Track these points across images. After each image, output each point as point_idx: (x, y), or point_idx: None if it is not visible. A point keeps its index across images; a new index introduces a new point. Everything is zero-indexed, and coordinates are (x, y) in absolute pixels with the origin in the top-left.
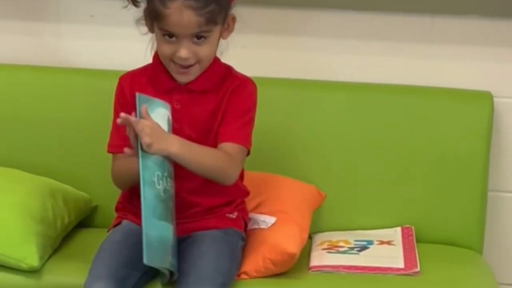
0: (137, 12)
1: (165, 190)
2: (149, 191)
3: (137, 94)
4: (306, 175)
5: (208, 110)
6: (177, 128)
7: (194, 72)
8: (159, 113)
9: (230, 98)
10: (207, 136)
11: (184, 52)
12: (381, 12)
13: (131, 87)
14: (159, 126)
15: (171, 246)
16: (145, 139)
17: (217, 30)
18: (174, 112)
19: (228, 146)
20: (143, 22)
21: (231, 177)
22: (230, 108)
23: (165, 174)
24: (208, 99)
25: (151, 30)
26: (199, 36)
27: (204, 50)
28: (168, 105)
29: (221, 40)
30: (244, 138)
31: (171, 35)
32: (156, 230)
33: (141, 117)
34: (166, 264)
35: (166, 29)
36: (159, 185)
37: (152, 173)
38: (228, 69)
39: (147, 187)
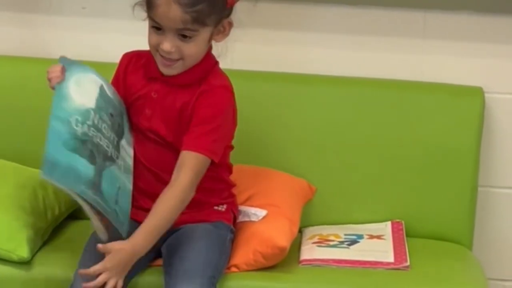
0: (131, 2)
1: (84, 134)
2: (60, 125)
3: (60, 57)
4: (297, 169)
5: (178, 105)
6: (149, 115)
7: (177, 68)
8: (90, 78)
9: (197, 103)
10: (183, 125)
11: (167, 45)
12: (374, 7)
13: (127, 65)
14: (114, 257)
15: (90, 179)
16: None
17: (205, 31)
18: (150, 101)
19: (186, 155)
20: (143, 7)
21: (188, 195)
22: (195, 114)
23: (88, 122)
24: (182, 94)
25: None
26: (184, 35)
27: (188, 48)
28: (101, 77)
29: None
30: (204, 147)
31: (159, 28)
32: (64, 156)
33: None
34: (76, 188)
35: (154, 19)
36: (77, 126)
37: (68, 114)
38: (213, 71)
39: (58, 122)
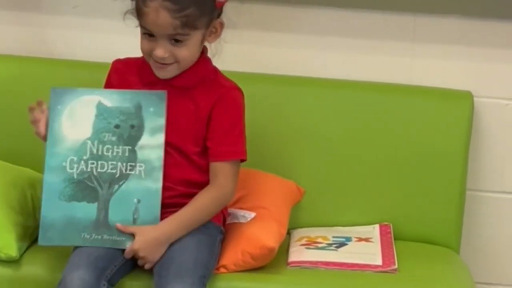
0: (123, 4)
1: (81, 172)
2: (53, 176)
3: (51, 89)
4: (285, 170)
5: (190, 109)
6: None
7: (172, 70)
8: (84, 101)
9: (216, 109)
10: (186, 132)
11: (160, 51)
12: (364, 10)
13: (119, 73)
14: (145, 241)
15: (91, 222)
16: (147, 259)
17: (197, 34)
18: None
19: (217, 166)
20: (134, 14)
21: (229, 197)
22: (217, 121)
23: (84, 157)
24: (189, 97)
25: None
26: (176, 39)
27: (181, 52)
28: (97, 92)
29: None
30: (234, 152)
31: (150, 34)
32: (60, 211)
33: None
34: (75, 241)
35: (144, 26)
36: (72, 169)
37: (61, 159)
38: (214, 73)
39: (51, 173)
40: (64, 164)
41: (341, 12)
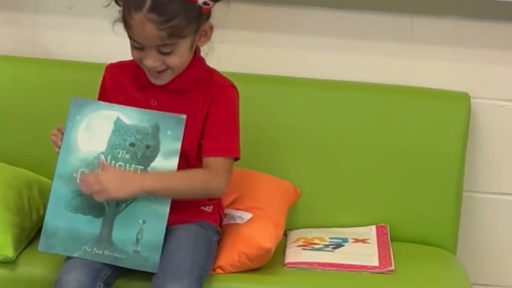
0: (116, 7)
1: None
2: (62, 185)
3: (72, 98)
4: (282, 171)
5: (187, 111)
6: None
7: (167, 77)
8: (103, 115)
9: (211, 107)
10: (184, 141)
11: (149, 61)
12: (361, 11)
13: (112, 77)
14: (115, 171)
15: (94, 237)
16: (102, 186)
17: (186, 42)
18: (150, 109)
19: (210, 161)
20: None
21: (217, 191)
22: (211, 118)
23: (95, 172)
24: (186, 99)
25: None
26: (163, 49)
27: (172, 60)
28: (117, 107)
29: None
30: (226, 149)
31: (139, 45)
32: (64, 221)
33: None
34: (76, 252)
35: (131, 38)
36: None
37: (73, 169)
38: (210, 72)
39: (60, 181)
40: (74, 175)
41: (338, 12)
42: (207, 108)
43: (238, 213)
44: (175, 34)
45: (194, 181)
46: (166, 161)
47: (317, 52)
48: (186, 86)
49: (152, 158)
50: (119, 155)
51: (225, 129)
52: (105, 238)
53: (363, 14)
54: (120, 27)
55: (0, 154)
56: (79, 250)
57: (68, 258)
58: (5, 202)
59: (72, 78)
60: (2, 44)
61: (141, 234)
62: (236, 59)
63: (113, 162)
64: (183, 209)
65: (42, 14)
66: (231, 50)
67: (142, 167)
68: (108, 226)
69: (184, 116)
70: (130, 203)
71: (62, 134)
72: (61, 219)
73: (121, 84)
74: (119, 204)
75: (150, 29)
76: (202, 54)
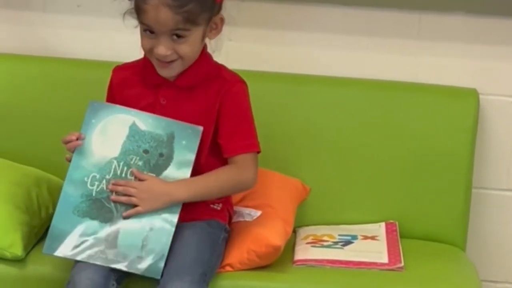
0: (124, 3)
1: (101, 191)
2: (73, 189)
3: (90, 102)
4: (291, 169)
5: (197, 109)
6: None
7: (176, 67)
8: (119, 120)
9: (223, 107)
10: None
11: (161, 49)
12: (369, 8)
13: (120, 79)
14: (148, 184)
15: (99, 241)
16: (141, 204)
17: (198, 30)
18: (160, 108)
19: (234, 158)
20: (133, 15)
21: (248, 185)
22: (225, 117)
23: (107, 177)
24: (196, 96)
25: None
26: (178, 35)
27: (183, 48)
28: (133, 112)
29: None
30: (248, 145)
31: (151, 31)
32: (71, 225)
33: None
34: (80, 255)
35: (145, 24)
36: (92, 185)
37: (84, 174)
38: (218, 68)
39: (71, 185)
40: (86, 179)
41: (346, 9)
42: (218, 106)
43: (247, 210)
44: (190, 20)
45: (223, 181)
46: (179, 172)
47: (325, 49)
48: (195, 83)
49: (165, 166)
50: (132, 161)
51: (241, 126)
52: (110, 243)
53: (371, 11)
54: (128, 23)
55: (9, 153)
56: (83, 253)
57: None
58: (14, 200)
59: (80, 76)
60: (11, 42)
61: (147, 241)
62: (244, 56)
63: (125, 168)
64: (192, 207)
65: (50, 13)
66: (240, 47)
67: (154, 175)
68: (115, 231)
69: (200, 128)
70: None
71: (80, 139)
72: (67, 223)
73: (129, 84)
74: (127, 210)
75: (165, 14)
76: (209, 50)
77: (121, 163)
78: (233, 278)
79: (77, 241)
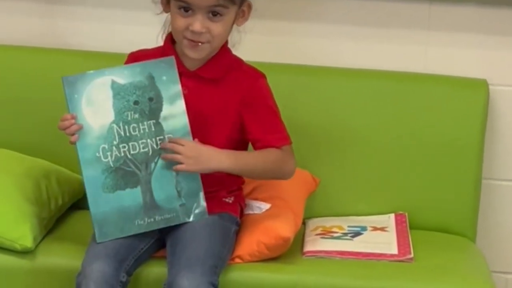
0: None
1: (116, 159)
2: (92, 170)
3: (63, 78)
4: (300, 160)
5: (217, 100)
6: None
7: (204, 49)
8: (98, 85)
9: (248, 100)
10: (210, 127)
11: (197, 25)
12: None
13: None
14: (196, 146)
15: (141, 207)
16: (185, 162)
17: (233, 11)
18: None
19: (282, 151)
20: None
21: (289, 174)
22: (252, 116)
23: (114, 143)
24: (216, 88)
25: (166, 9)
26: (214, 12)
27: (217, 28)
28: (107, 71)
29: (234, 32)
30: (279, 139)
31: (187, 9)
32: (108, 204)
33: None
34: (132, 229)
35: (184, 0)
36: (106, 157)
37: (94, 150)
38: (238, 62)
39: (88, 167)
40: (97, 154)
41: (357, 1)
42: (239, 99)
43: (257, 203)
44: None
45: (270, 162)
46: (173, 107)
47: (335, 41)
48: (219, 74)
49: (159, 108)
50: (129, 118)
51: (273, 120)
52: (150, 205)
53: (381, 2)
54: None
55: (18, 145)
56: (133, 226)
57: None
58: (23, 192)
59: (92, 68)
60: (21, 34)
61: (180, 186)
62: (257, 48)
63: (126, 127)
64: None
65: (60, 4)
66: (252, 39)
67: (154, 121)
68: (148, 191)
69: (172, 57)
70: (157, 160)
71: (74, 120)
72: (104, 204)
73: None
74: (149, 166)
75: None
76: (229, 44)
77: (120, 124)
78: (243, 270)
79: (122, 217)
